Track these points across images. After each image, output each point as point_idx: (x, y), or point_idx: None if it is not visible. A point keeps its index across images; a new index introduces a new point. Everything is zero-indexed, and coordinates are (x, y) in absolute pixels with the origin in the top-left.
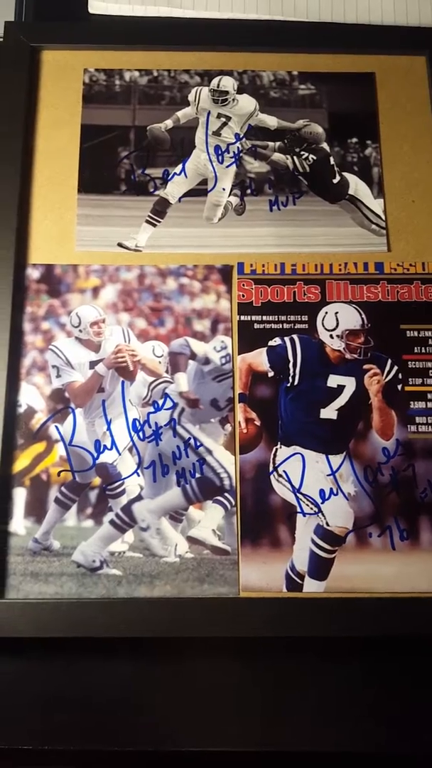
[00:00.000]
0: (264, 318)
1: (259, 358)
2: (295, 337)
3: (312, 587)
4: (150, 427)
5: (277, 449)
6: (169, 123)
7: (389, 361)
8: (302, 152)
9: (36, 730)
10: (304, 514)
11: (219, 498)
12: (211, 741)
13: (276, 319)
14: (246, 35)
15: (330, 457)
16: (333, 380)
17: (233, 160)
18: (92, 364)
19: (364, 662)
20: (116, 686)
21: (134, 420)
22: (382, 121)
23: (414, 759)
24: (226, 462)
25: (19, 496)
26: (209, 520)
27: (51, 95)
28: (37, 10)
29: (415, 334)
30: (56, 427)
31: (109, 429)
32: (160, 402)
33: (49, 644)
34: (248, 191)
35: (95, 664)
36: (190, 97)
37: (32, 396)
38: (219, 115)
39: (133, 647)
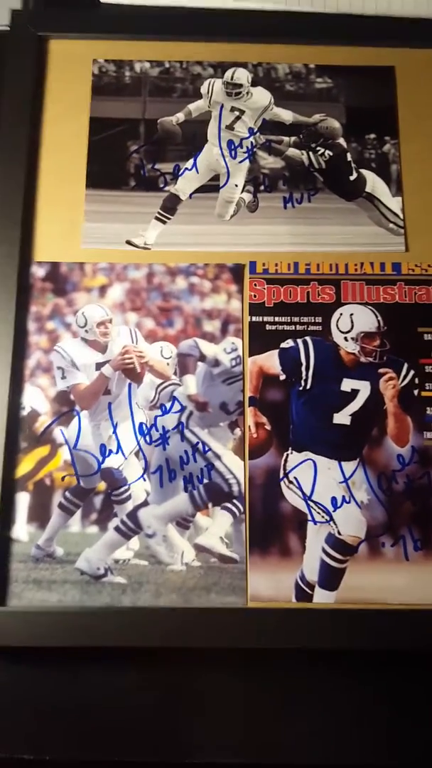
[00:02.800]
0: (276, 319)
1: (271, 361)
2: (308, 339)
3: (322, 598)
4: (157, 430)
5: (288, 455)
6: (180, 116)
7: (405, 365)
8: (318, 148)
9: (38, 740)
10: (315, 522)
11: (227, 504)
12: (216, 753)
13: (289, 321)
14: (261, 26)
15: (343, 463)
16: (347, 384)
17: (246, 155)
18: (98, 366)
19: (375, 676)
20: (120, 697)
21: (141, 423)
22: (401, 117)
23: None
24: (235, 467)
25: (22, 501)
26: (217, 528)
27: (58, 86)
28: None
29: None
30: (61, 430)
31: (115, 432)
32: (168, 405)
33: (52, 654)
34: (262, 187)
35: (99, 674)
36: (203, 90)
37: (36, 398)
38: (232, 109)
39: (139, 657)
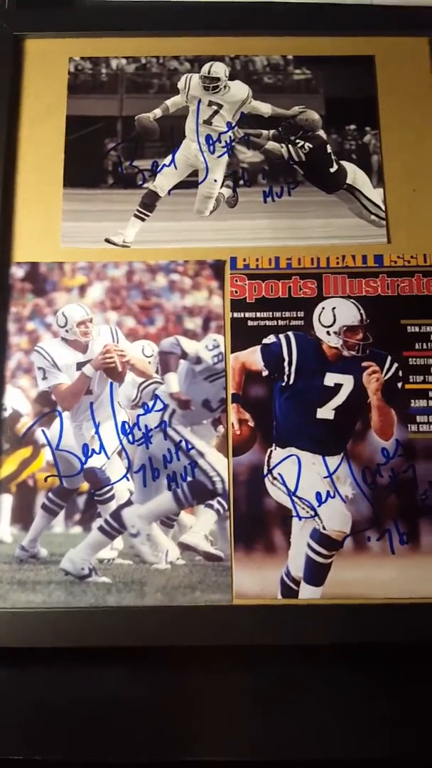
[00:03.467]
0: (258, 315)
1: (253, 357)
2: (290, 334)
3: (308, 593)
4: (140, 429)
5: (271, 451)
6: (158, 112)
7: (389, 358)
8: (298, 140)
9: (23, 741)
10: (300, 518)
11: (211, 502)
12: (204, 750)
13: (270, 316)
14: (238, 18)
15: (327, 458)
16: (330, 378)
17: (225, 149)
18: (79, 366)
19: (361, 670)
20: (106, 697)
21: (123, 423)
22: (381, 107)
23: (412, 766)
24: (218, 465)
25: (5, 502)
26: (201, 525)
27: (35, 85)
28: None
29: (417, 329)
30: (43, 431)
31: (97, 432)
32: (150, 404)
33: (37, 654)
34: (241, 182)
35: (84, 674)
36: (180, 85)
37: (17, 399)
38: (210, 103)
39: (124, 657)
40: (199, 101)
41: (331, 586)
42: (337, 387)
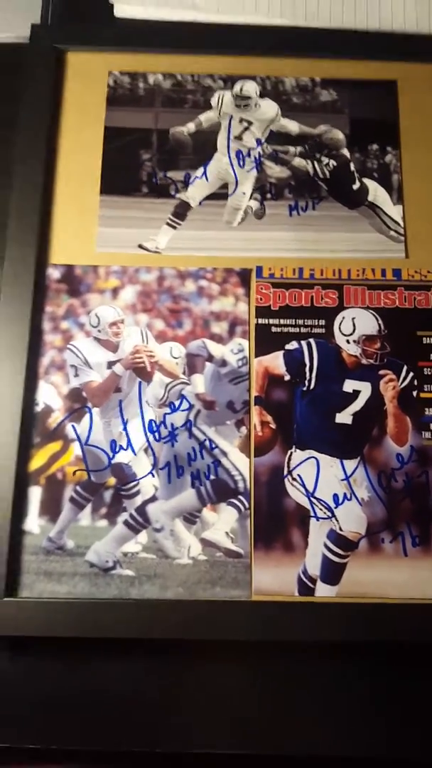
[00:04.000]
0: (281, 322)
1: (276, 362)
2: (311, 341)
3: (324, 592)
4: (166, 428)
5: (291, 453)
6: (191, 127)
7: (405, 368)
8: (323, 158)
9: (46, 730)
10: (318, 519)
11: (233, 500)
12: (220, 744)
13: (293, 323)
14: (269, 41)
15: (344, 461)
16: (349, 385)
17: (254, 164)
18: (110, 364)
19: (375, 668)
20: (127, 687)
21: (150, 421)
22: (402, 129)
23: (425, 766)
24: (240, 464)
25: (35, 494)
26: (223, 523)
27: (75, 97)
28: (63, 13)
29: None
30: (73, 426)
31: (125, 429)
32: (177, 403)
33: (61, 644)
34: (268, 196)
35: (106, 664)
36: (213, 102)
37: (50, 395)
38: (241, 120)
39: (145, 648)
40: (231, 118)
41: (347, 585)
42: (356, 393)
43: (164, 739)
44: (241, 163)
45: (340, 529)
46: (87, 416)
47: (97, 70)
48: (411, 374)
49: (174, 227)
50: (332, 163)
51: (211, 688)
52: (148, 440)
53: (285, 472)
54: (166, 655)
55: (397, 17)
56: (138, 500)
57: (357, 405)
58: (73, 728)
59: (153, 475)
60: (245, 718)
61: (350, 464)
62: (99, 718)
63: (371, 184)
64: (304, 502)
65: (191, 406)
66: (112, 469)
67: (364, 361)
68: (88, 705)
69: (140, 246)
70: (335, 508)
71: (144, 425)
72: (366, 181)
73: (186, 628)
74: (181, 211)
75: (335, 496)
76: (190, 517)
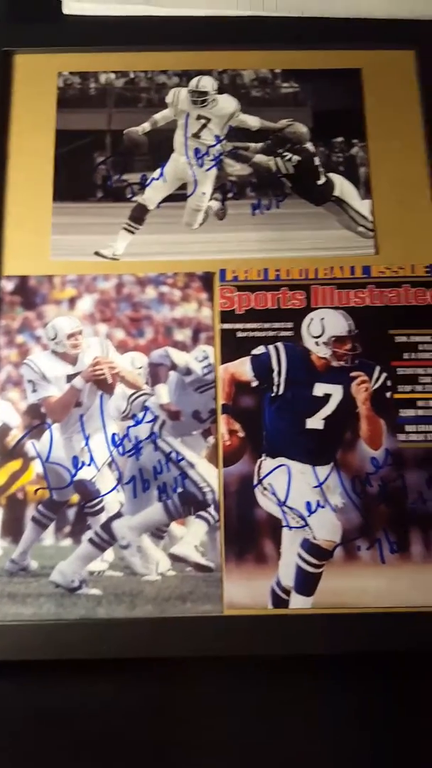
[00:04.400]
0: (247, 326)
1: (243, 368)
2: (279, 345)
3: (299, 603)
4: (130, 441)
5: (261, 461)
6: (146, 126)
7: (377, 368)
8: (285, 153)
9: (15, 754)
10: (290, 528)
11: (202, 513)
12: (197, 763)
13: (260, 327)
14: (226, 33)
15: (316, 468)
16: (319, 389)
17: (213, 163)
18: (69, 378)
19: (353, 680)
20: (98, 709)
21: (113, 434)
22: (368, 119)
23: None
24: (208, 475)
25: None
26: (192, 536)
27: (24, 100)
28: (10, 12)
29: (405, 339)
30: (32, 443)
31: (87, 444)
32: (140, 415)
33: (28, 667)
34: (229, 195)
35: (76, 687)
36: (168, 99)
37: (7, 412)
38: (198, 117)
39: (115, 669)
40: (188, 115)
41: (322, 595)
42: (326, 397)
43: (138, 761)
44: (200, 161)
45: (314, 538)
46: (47, 433)
47: (46, 71)
48: (384, 375)
49: (132, 232)
50: (295, 158)
51: (186, 706)
52: (111, 455)
53: (255, 481)
54: (137, 675)
55: (362, 2)
56: (103, 517)
57: (328, 409)
58: (43, 752)
59: (118, 491)
60: (221, 735)
61: (323, 470)
62: (69, 742)
63: (337, 179)
64: (275, 511)
65: (156, 418)
66: (75, 486)
67: (334, 363)
68: (59, 728)
69: (97, 253)
70: (308, 516)
71: (107, 439)
72: (331, 175)
73: (157, 646)
74: (139, 214)
75: (308, 504)
76: (158, 532)
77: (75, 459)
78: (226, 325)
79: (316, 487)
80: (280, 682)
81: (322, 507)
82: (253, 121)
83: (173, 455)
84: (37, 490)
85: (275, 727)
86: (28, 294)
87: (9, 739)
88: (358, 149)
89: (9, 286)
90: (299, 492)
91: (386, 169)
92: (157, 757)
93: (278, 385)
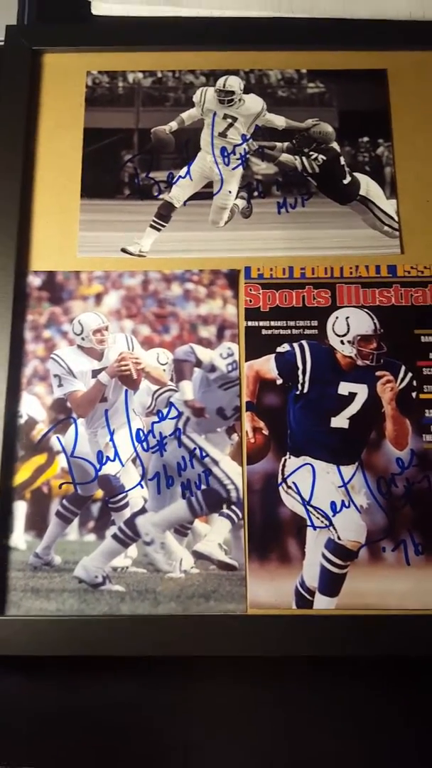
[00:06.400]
0: (272, 323)
1: (267, 365)
2: (304, 343)
3: (323, 604)
4: (154, 437)
5: (285, 460)
6: (173, 125)
7: (403, 368)
8: (311, 152)
9: (36, 750)
10: (315, 528)
11: (226, 511)
12: (218, 762)
13: (284, 325)
14: (252, 33)
15: (341, 467)
16: (344, 387)
17: (240, 161)
18: (95, 373)
19: (377, 682)
20: (118, 706)
21: (138, 430)
22: (394, 119)
23: None
24: (232, 473)
25: (20, 509)
26: (215, 534)
27: (53, 99)
28: (40, 13)
29: (430, 339)
30: (58, 438)
31: (111, 439)
32: (165, 411)
33: (50, 662)
34: (255, 193)
35: (97, 683)
36: (195, 98)
37: (33, 406)
38: (225, 116)
39: (137, 666)
40: (214, 114)
41: (346, 596)
42: (352, 396)
43: (158, 757)
44: (226, 160)
45: (339, 538)
46: (72, 427)
47: (75, 70)
48: (409, 375)
49: (158, 229)
50: (321, 157)
51: (207, 705)
52: (136, 450)
53: (279, 479)
54: (159, 673)
55: (387, 4)
56: (127, 513)
57: (353, 408)
58: (63, 748)
59: (142, 487)
60: (243, 734)
61: (348, 470)
62: (90, 738)
63: (363, 178)
64: (300, 510)
65: (180, 414)
66: (99, 481)
67: (359, 362)
68: (80, 724)
69: (123, 250)
70: (333, 516)
71: (131, 435)
72: (357, 175)
73: (180, 644)
74: (165, 212)
75: (333, 503)
76: (182, 529)
77: (100, 454)
78: (251, 323)
79: (340, 486)
80: (302, 682)
81: (347, 507)
82: (279, 121)
83: (197, 452)
84: (61, 485)
85: (296, 726)
86: (55, 289)
87: (28, 736)
88: (384, 149)
89: (36, 281)
90: (324, 491)
91: (412, 169)
92: (174, 756)
93: (303, 384)
